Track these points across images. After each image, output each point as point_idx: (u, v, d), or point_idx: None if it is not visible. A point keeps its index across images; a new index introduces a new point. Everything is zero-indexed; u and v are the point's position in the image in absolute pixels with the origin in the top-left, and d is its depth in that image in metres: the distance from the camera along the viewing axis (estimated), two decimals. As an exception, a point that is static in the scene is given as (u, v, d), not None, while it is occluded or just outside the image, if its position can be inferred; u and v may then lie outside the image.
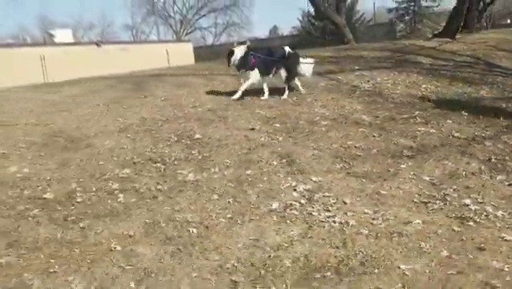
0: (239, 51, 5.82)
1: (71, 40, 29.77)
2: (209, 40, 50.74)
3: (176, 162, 3.77)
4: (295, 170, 3.72)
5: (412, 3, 38.84)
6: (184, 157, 3.87)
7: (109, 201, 3.13)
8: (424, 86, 6.75)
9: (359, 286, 2.33)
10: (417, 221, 2.94)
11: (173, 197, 3.25)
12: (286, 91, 5.97)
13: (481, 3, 16.38)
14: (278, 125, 4.72)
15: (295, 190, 3.40)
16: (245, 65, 5.78)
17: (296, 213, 3.10)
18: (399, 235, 2.79)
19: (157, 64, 12.32)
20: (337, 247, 2.69)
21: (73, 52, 21.00)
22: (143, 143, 4.10)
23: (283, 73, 5.94)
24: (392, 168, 3.80)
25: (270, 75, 5.94)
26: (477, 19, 15.62)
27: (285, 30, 52.26)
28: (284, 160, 3.88)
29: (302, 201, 3.25)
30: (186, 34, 50.48)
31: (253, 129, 4.58)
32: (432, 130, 4.78)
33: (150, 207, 3.09)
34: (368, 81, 6.91)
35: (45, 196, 3.15)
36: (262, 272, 2.48)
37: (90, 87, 6.15)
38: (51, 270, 2.44)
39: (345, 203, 3.22)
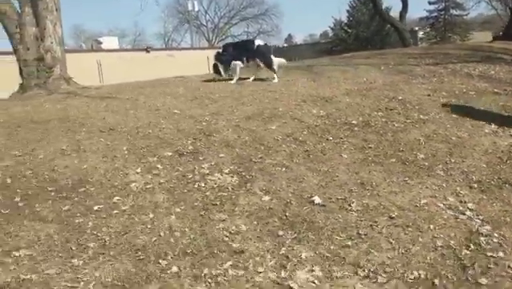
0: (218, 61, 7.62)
1: (117, 47, 32.25)
2: (241, 47, 53.00)
3: (403, 110, 5.95)
4: (476, 118, 5.85)
5: (443, 12, 40.86)
6: (405, 108, 6.05)
7: (389, 126, 5.35)
8: (520, 73, 8.86)
9: None
10: None
11: (419, 127, 5.47)
12: (275, 75, 7.36)
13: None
14: (444, 93, 6.88)
15: (485, 130, 5.53)
16: (227, 66, 7.55)
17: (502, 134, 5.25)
18: None
19: (200, 69, 13.24)
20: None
21: (125, 58, 23.42)
22: (368, 101, 6.28)
23: (260, 62, 7.33)
24: (541, 116, 5.93)
25: (242, 64, 7.45)
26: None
27: (298, 38, 54.61)
28: (464, 112, 6.03)
29: (494, 130, 5.39)
30: (218, 41, 53.11)
31: (429, 95, 6.74)
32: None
33: (412, 130, 5.32)
34: (474, 69, 9.02)
35: (352, 122, 5.36)
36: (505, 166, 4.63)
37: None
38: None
39: (525, 132, 5.35)
